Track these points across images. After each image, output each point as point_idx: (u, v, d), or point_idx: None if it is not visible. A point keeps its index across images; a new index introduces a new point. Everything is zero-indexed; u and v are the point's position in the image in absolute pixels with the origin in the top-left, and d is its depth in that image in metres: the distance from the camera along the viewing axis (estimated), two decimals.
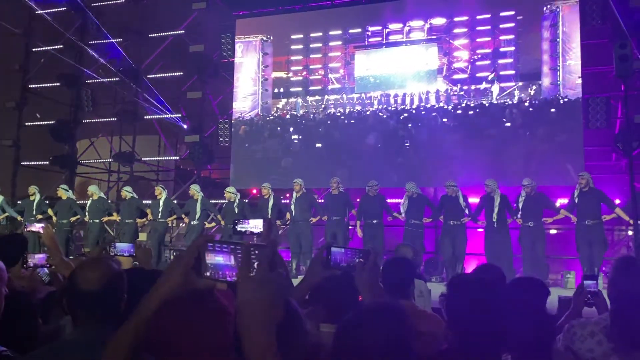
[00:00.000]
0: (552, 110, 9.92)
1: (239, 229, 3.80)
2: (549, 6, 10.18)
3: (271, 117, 12.11)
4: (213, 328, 1.50)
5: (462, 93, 10.70)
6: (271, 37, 12.32)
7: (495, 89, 10.39)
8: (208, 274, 1.19)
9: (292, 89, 12.14)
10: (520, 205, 8.37)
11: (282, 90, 12.20)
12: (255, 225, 3.70)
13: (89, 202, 10.53)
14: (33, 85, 13.52)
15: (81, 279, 1.76)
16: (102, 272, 1.77)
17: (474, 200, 9.15)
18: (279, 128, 12.01)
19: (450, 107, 10.71)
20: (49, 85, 13.39)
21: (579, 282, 3.13)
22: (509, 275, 7.86)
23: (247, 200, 10.66)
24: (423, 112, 10.91)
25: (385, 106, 11.20)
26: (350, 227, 9.64)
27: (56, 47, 13.43)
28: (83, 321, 1.75)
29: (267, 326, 1.07)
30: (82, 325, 1.75)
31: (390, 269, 2.77)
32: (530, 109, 10.13)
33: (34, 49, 13.56)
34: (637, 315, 2.19)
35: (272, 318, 1.07)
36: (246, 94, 12.35)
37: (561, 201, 8.85)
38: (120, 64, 12.52)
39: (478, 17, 10.77)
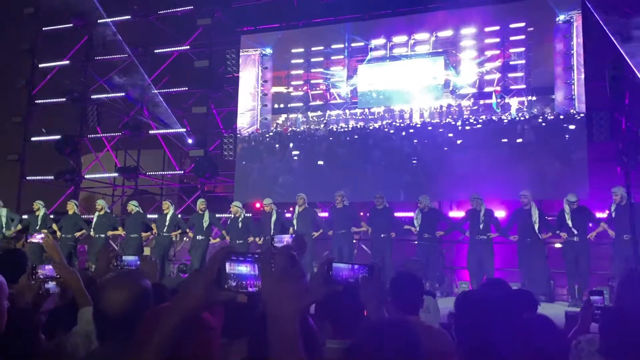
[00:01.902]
0: (565, 125, 9.66)
1: (275, 244, 3.90)
2: (562, 17, 9.90)
3: (271, 134, 11.94)
4: (196, 343, 1.50)
5: (475, 108, 10.39)
6: (270, 51, 12.25)
7: (514, 102, 10.11)
8: (233, 283, 1.22)
9: (292, 105, 11.94)
10: (568, 221, 8.12)
11: (282, 105, 12.02)
12: (288, 241, 3.82)
13: (95, 217, 10.55)
14: (39, 101, 13.62)
15: (107, 301, 1.75)
16: (128, 293, 1.76)
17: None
18: (277, 145, 11.78)
19: (458, 123, 10.42)
20: (55, 100, 13.49)
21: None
22: (547, 290, 7.83)
23: (251, 215, 10.64)
24: (430, 128, 10.66)
25: (390, 121, 11.00)
26: (354, 241, 9.61)
27: (62, 62, 13.58)
28: (110, 337, 1.74)
29: (290, 315, 1.11)
30: (109, 340, 1.75)
31: (399, 284, 2.76)
32: (543, 124, 9.85)
33: (41, 65, 13.69)
34: (627, 329, 2.14)
35: (295, 309, 1.12)
36: (245, 110, 12.18)
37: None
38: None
39: (486, 29, 10.51)
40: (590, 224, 8.23)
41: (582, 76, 9.63)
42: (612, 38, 8.82)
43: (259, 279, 1.19)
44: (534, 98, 10.07)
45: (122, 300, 1.74)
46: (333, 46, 11.73)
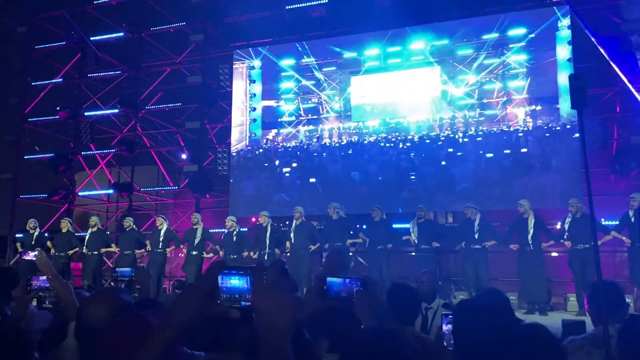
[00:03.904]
0: (571, 135, 9.48)
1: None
2: (565, 22, 9.70)
3: (261, 150, 11.80)
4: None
5: (481, 119, 10.17)
6: (259, 63, 12.13)
7: (518, 112, 9.97)
8: (224, 296, 1.23)
9: (283, 119, 11.78)
10: (566, 227, 8.05)
11: (272, 120, 11.84)
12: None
13: (88, 234, 10.49)
14: (32, 119, 13.59)
15: (89, 315, 1.75)
16: (110, 307, 1.75)
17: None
18: (266, 164, 11.61)
19: (457, 135, 10.25)
20: (48, 118, 13.47)
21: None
22: (545, 299, 7.81)
23: (246, 229, 10.59)
24: (427, 141, 10.50)
25: (385, 135, 10.82)
26: (350, 254, 9.57)
27: (55, 80, 13.58)
28: (92, 352, 1.73)
29: (281, 328, 1.12)
30: (91, 355, 1.74)
31: (395, 295, 2.76)
32: (547, 134, 9.66)
33: (33, 83, 13.69)
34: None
35: (285, 319, 1.13)
36: (234, 125, 12.05)
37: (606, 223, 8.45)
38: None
39: (484, 36, 10.29)
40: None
41: None
42: (598, 45, 8.90)
43: (251, 292, 1.19)
44: (539, 107, 9.88)
45: (103, 315, 1.73)
46: (325, 59, 11.60)
